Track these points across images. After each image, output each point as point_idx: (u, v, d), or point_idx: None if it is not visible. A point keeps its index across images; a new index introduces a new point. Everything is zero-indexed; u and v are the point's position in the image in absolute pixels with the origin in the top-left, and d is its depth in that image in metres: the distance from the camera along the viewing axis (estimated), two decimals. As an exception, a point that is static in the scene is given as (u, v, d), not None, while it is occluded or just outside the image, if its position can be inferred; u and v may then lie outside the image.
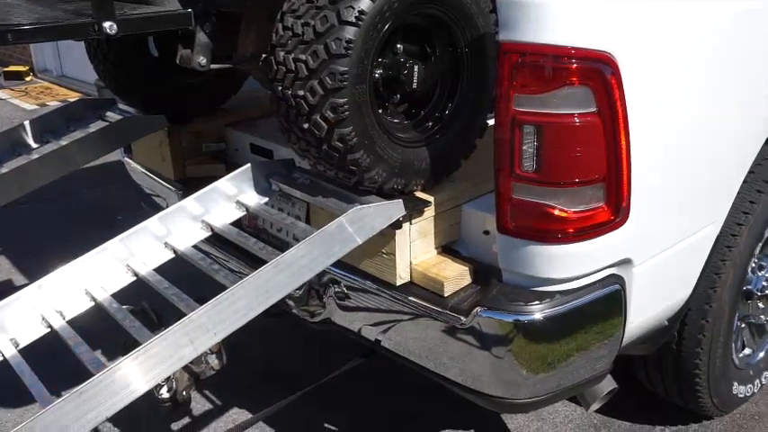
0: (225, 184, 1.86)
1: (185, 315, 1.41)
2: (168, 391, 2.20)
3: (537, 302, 1.68)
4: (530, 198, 1.61)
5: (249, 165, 1.89)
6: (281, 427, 2.65)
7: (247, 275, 1.49)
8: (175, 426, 2.71)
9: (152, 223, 1.76)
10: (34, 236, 4.30)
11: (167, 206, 2.69)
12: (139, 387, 1.30)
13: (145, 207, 3.11)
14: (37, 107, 7.39)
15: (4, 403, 2.74)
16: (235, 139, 2.64)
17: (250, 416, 2.67)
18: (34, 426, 1.18)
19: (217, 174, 2.60)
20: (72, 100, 7.41)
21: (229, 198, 1.85)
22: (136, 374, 1.29)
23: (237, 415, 2.73)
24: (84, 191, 4.85)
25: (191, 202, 1.81)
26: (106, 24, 1.31)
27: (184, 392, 2.24)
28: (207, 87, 2.64)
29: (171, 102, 2.58)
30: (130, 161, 2.95)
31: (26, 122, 2.61)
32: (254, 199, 1.86)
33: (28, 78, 8.46)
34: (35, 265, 3.82)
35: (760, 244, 2.32)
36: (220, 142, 2.67)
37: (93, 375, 1.27)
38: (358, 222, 1.63)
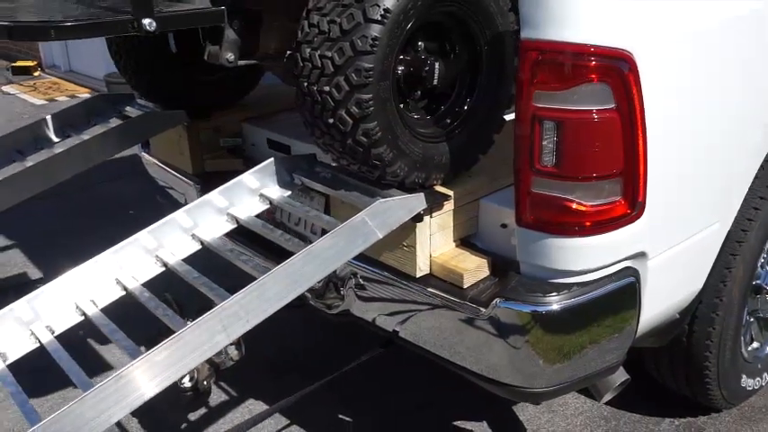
0: (249, 178, 1.91)
1: (213, 305, 1.46)
2: (190, 381, 2.26)
3: (555, 294, 1.72)
4: (549, 192, 1.65)
5: (272, 159, 1.94)
6: (297, 418, 2.69)
7: (272, 266, 1.54)
8: (194, 415, 2.76)
9: (179, 216, 1.81)
10: (48, 231, 4.36)
11: (185, 200, 2.76)
12: (176, 372, 1.35)
13: (161, 201, 3.16)
14: (46, 102, 7.44)
15: (43, 389, 2.79)
16: (252, 134, 2.68)
17: (266, 407, 2.72)
18: (79, 407, 1.23)
19: (234, 168, 2.67)
20: (82, 95, 7.48)
21: (253, 192, 1.90)
22: (173, 359, 1.34)
23: (254, 406, 2.78)
24: (96, 186, 4.89)
25: (216, 195, 1.86)
26: (145, 21, 1.36)
27: (205, 382, 2.30)
28: (225, 83, 2.69)
29: (190, 97, 2.63)
30: (148, 156, 2.99)
31: (48, 117, 2.66)
32: (276, 192, 1.91)
33: (36, 74, 8.52)
34: (48, 260, 3.89)
35: (769, 239, 2.36)
36: (237, 137, 2.72)
37: (132, 360, 1.32)
38: (381, 215, 1.67)
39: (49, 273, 3.72)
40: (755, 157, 2.07)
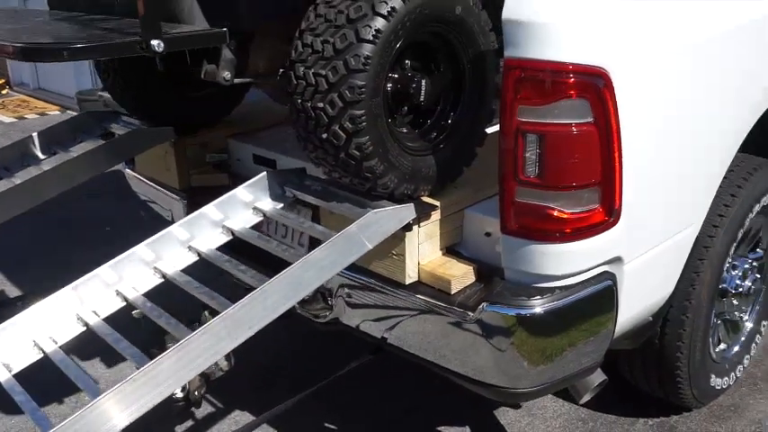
0: (242, 192, 1.98)
1: (218, 312, 1.52)
2: (182, 391, 2.30)
3: (538, 297, 1.82)
4: (531, 201, 1.75)
5: (264, 173, 2.01)
6: (285, 428, 2.75)
7: (267, 277, 1.62)
8: (182, 427, 2.80)
9: (176, 229, 1.87)
10: (25, 247, 4.35)
11: (171, 215, 2.82)
12: (182, 377, 1.41)
13: (140, 217, 3.21)
14: (15, 120, 7.39)
15: (51, 397, 2.81)
16: (237, 149, 2.75)
17: (253, 418, 2.77)
18: (90, 413, 1.28)
19: (220, 183, 2.74)
20: (52, 113, 7.44)
21: (247, 205, 1.97)
22: (180, 364, 1.40)
23: (240, 417, 2.83)
24: (72, 203, 4.89)
25: (211, 208, 1.92)
26: (154, 42, 1.43)
27: (196, 393, 2.34)
28: (211, 100, 2.76)
29: (177, 114, 2.69)
30: (132, 172, 3.04)
31: (34, 134, 2.70)
32: (269, 205, 1.98)
33: (4, 92, 8.46)
34: (27, 276, 3.89)
35: (734, 245, 2.49)
36: (223, 153, 2.78)
37: (140, 367, 1.38)
38: (374, 225, 1.76)
39: (28, 288, 3.73)
40: (720, 168, 2.21)
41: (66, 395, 2.88)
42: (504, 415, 2.80)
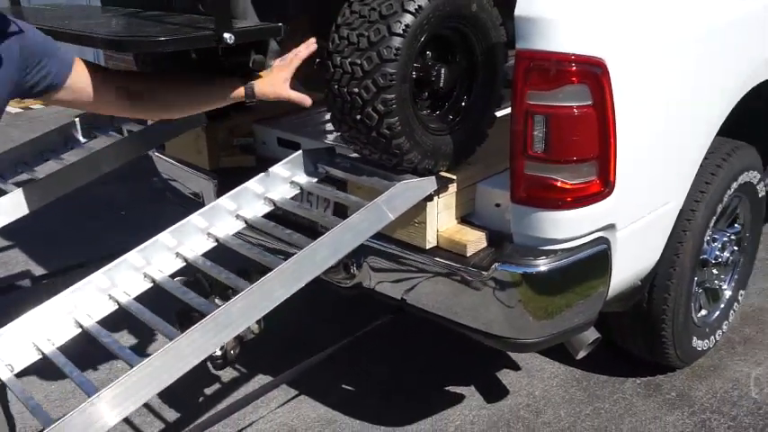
0: (280, 168, 2.23)
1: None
2: (220, 350, 2.56)
3: (543, 257, 2.09)
4: (538, 173, 2.03)
5: (300, 151, 2.27)
6: (305, 388, 3.01)
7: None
8: (210, 389, 3.05)
9: (223, 201, 2.12)
10: (46, 231, 4.57)
11: (201, 194, 3.07)
12: (252, 317, 1.67)
13: (171, 198, 3.45)
14: (21, 110, 7.58)
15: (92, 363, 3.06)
16: (262, 133, 3.00)
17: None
18: (138, 372, 1.52)
19: (247, 164, 2.99)
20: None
21: (285, 179, 2.22)
22: (248, 308, 1.66)
23: (264, 380, 3.06)
24: (89, 188, 5.11)
25: (253, 183, 2.17)
26: (226, 35, 1.67)
27: (232, 352, 2.60)
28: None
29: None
30: (161, 155, 3.28)
31: (76, 119, 2.93)
32: (304, 179, 2.24)
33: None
34: (48, 259, 4.11)
35: (714, 219, 2.77)
36: (249, 137, 3.03)
37: (213, 311, 1.64)
38: (402, 194, 2.02)
39: (50, 270, 3.96)
40: (702, 147, 2.49)
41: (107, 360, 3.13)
42: (506, 376, 3.08)
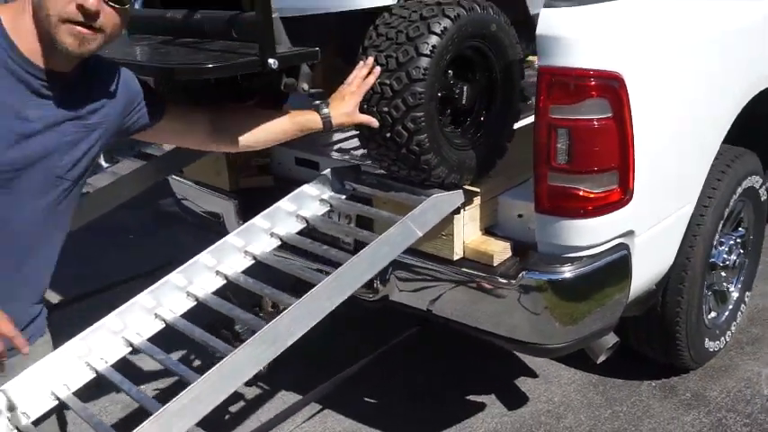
0: (310, 187, 2.31)
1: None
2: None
3: (568, 264, 2.18)
4: (562, 184, 2.12)
5: (328, 170, 2.35)
6: (330, 401, 3.05)
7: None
8: (234, 407, 3.10)
9: (258, 221, 2.19)
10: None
11: (222, 215, 3.13)
12: (300, 329, 1.74)
13: (188, 219, 3.52)
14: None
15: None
16: (279, 153, 3.07)
17: (300, 397, 3.06)
18: (198, 387, 1.58)
19: (265, 184, 3.06)
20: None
21: (315, 197, 2.30)
22: (297, 320, 1.73)
23: (288, 397, 3.12)
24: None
25: (285, 202, 2.25)
26: (270, 61, 1.75)
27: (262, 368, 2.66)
28: (255, 110, 3.08)
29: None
30: (178, 178, 3.34)
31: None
32: (334, 196, 2.32)
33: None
34: (63, 282, 4.14)
35: (721, 223, 2.87)
36: (266, 157, 3.11)
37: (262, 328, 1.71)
38: (433, 208, 2.11)
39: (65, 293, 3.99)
40: (711, 154, 2.60)
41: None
42: (524, 383, 3.15)
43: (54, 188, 1.64)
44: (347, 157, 2.87)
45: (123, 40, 2.42)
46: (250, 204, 3.04)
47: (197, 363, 3.20)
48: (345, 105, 2.06)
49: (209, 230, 3.45)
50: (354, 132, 3.03)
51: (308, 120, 2.06)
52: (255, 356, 1.69)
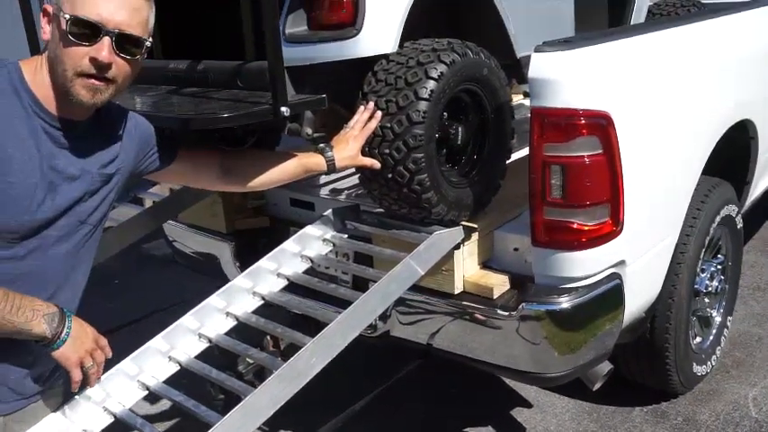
0: (313, 228, 2.38)
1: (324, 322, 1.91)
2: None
3: (566, 295, 2.27)
4: (557, 218, 2.21)
5: (330, 210, 2.42)
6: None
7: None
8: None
9: (264, 262, 2.25)
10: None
11: (219, 257, 3.18)
12: (302, 379, 1.80)
13: (180, 262, 3.55)
14: None
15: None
16: (273, 195, 3.13)
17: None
18: (221, 428, 1.64)
19: (260, 225, 3.12)
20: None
21: (318, 237, 2.37)
22: (298, 369, 1.79)
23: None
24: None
25: (290, 244, 2.31)
26: (282, 109, 1.83)
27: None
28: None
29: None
30: (172, 221, 3.38)
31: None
32: (336, 236, 2.39)
33: None
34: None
35: (703, 250, 2.99)
36: (261, 199, 3.17)
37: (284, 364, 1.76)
38: (436, 245, 2.19)
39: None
40: (692, 186, 2.73)
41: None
42: (520, 414, 3.21)
43: (76, 233, 1.69)
44: (341, 197, 2.94)
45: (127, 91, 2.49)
46: (246, 246, 3.10)
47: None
48: (349, 149, 2.15)
49: (202, 273, 3.50)
50: (348, 173, 3.15)
51: (313, 163, 2.14)
52: (276, 395, 1.74)
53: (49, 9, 1.57)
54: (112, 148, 1.76)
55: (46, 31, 1.60)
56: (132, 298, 4.58)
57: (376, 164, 2.16)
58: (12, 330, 1.53)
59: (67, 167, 1.64)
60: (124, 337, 3.06)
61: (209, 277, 3.42)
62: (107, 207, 1.76)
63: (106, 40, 1.53)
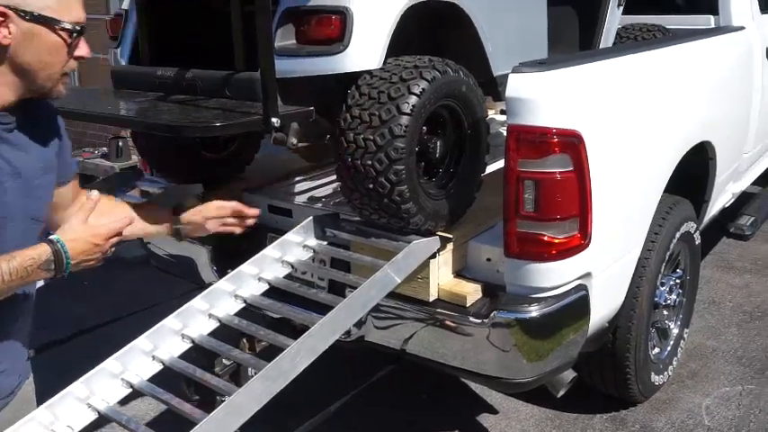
0: (293, 235, 2.45)
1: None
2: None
3: (536, 304, 2.37)
4: (529, 230, 2.32)
5: (310, 218, 2.50)
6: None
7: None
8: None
9: (246, 267, 2.31)
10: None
11: (195, 262, 3.22)
12: (285, 379, 1.87)
13: (155, 265, 3.58)
14: None
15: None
16: (251, 201, 3.19)
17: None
18: (205, 426, 1.69)
19: (237, 231, 3.16)
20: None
21: (298, 244, 2.44)
22: (299, 356, 1.86)
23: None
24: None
25: (270, 249, 2.38)
26: (273, 120, 1.90)
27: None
28: (228, 160, 3.22)
29: (201, 172, 3.13)
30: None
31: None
32: (316, 242, 2.47)
33: None
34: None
35: (663, 265, 3.14)
36: (239, 205, 3.22)
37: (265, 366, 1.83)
38: (413, 253, 2.28)
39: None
40: (654, 203, 2.87)
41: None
42: (486, 419, 3.31)
43: (33, 231, 1.69)
44: (319, 205, 3.02)
45: (113, 95, 2.55)
46: (223, 250, 3.15)
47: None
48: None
49: (176, 275, 3.54)
50: (327, 180, 3.24)
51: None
52: (259, 394, 1.80)
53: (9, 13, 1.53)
54: (49, 143, 1.74)
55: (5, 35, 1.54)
56: (102, 300, 4.57)
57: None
58: (20, 286, 1.60)
59: (17, 163, 1.62)
60: (96, 338, 3.09)
61: (183, 280, 3.47)
62: (50, 202, 1.74)
63: (83, 37, 1.62)
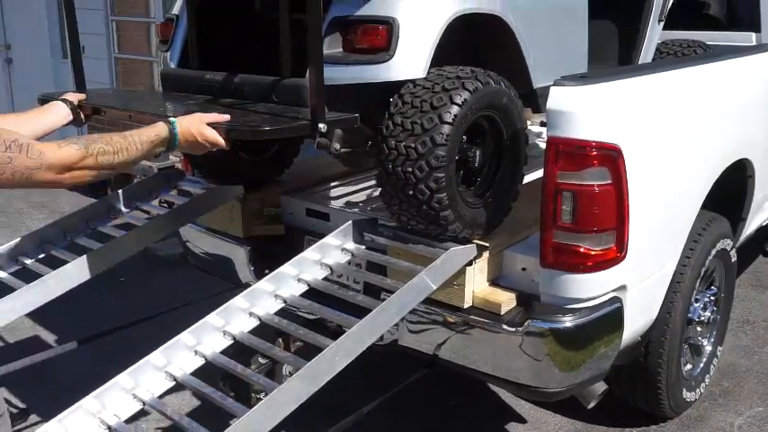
0: (332, 238, 2.50)
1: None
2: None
3: (569, 315, 2.40)
4: (566, 242, 2.35)
5: (350, 222, 2.55)
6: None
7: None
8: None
9: (287, 268, 2.36)
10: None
11: (233, 260, 3.29)
12: (322, 379, 1.91)
13: (193, 263, 3.66)
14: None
15: None
16: (289, 204, 3.26)
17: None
18: (246, 420, 1.74)
19: (277, 232, 3.24)
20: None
21: (337, 247, 2.49)
22: (337, 357, 1.91)
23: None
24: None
25: (310, 252, 2.43)
26: (321, 125, 1.96)
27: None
28: (267, 163, 3.29)
29: (241, 175, 3.20)
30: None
31: (119, 192, 3.15)
32: (354, 246, 2.51)
33: None
34: (58, 324, 4.20)
35: (698, 281, 3.13)
36: (277, 207, 3.29)
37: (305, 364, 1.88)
38: (451, 260, 2.32)
39: (63, 336, 4.06)
40: (691, 217, 2.87)
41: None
42: (515, 428, 3.32)
43: None
44: (356, 209, 3.07)
45: (161, 96, 2.63)
46: (261, 251, 3.22)
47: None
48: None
49: (214, 274, 3.62)
50: (363, 186, 3.29)
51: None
52: (297, 392, 1.85)
53: None
54: None
55: None
56: (139, 297, 4.68)
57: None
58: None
59: None
60: (133, 333, 3.16)
61: (220, 279, 3.54)
62: None
63: None
